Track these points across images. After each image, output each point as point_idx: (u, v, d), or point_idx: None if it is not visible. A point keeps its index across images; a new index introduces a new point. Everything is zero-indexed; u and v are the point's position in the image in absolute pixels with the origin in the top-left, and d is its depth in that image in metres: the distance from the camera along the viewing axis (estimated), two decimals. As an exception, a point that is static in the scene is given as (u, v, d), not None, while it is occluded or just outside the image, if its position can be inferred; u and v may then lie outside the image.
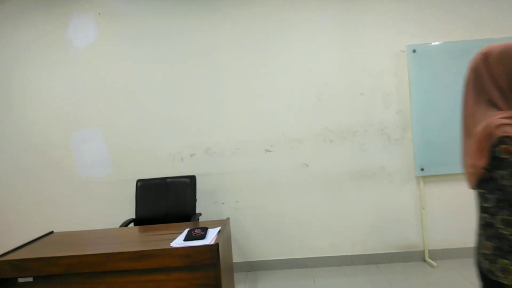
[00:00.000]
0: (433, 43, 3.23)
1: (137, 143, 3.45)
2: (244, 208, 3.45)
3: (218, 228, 2.40)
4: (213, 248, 2.05)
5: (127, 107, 3.45)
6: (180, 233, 2.40)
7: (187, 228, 2.50)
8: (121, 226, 2.88)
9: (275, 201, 3.44)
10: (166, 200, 3.13)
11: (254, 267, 3.46)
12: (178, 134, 3.44)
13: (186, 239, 2.19)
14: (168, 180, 3.19)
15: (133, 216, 3.28)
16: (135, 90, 3.44)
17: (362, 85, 3.37)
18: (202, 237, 2.21)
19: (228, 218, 2.75)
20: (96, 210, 3.50)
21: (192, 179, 3.17)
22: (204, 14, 3.39)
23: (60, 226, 3.52)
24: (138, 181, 3.19)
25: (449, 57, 3.22)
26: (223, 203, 3.45)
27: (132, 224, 3.20)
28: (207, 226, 2.47)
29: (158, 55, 3.42)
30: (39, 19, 3.44)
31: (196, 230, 2.30)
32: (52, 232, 2.72)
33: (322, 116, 3.39)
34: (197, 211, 3.43)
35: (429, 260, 3.31)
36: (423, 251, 3.39)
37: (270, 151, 3.42)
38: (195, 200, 3.13)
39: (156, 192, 3.15)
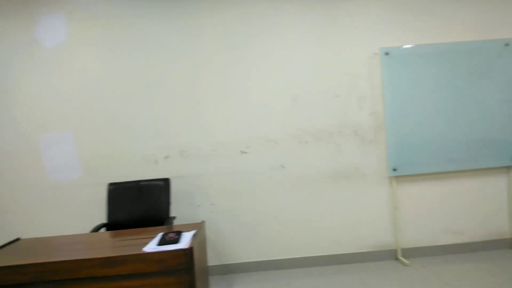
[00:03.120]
0: (405, 46, 3.31)
1: (109, 146, 3.37)
2: (220, 211, 3.43)
3: (193, 232, 2.37)
4: (187, 252, 2.02)
5: (98, 109, 3.36)
6: (154, 237, 2.36)
7: (161, 232, 2.46)
8: (92, 231, 2.80)
9: (251, 203, 3.43)
10: (140, 204, 3.06)
11: (230, 270, 3.43)
12: (152, 136, 3.38)
13: (160, 243, 2.15)
14: (141, 183, 3.12)
15: (105, 221, 3.20)
16: (106, 91, 3.35)
17: (337, 87, 3.41)
18: (176, 241, 2.18)
19: (203, 221, 2.72)
20: (66, 215, 3.38)
21: (166, 182, 3.11)
22: (181, 17, 3.34)
23: (27, 232, 3.39)
24: (110, 184, 3.11)
25: (421, 59, 3.31)
26: (198, 205, 3.41)
27: (103, 229, 3.11)
28: (182, 230, 2.44)
29: (131, 56, 3.35)
30: (6, 14, 3.30)
31: (170, 234, 2.27)
32: (18, 238, 2.61)
33: (297, 117, 3.41)
34: (172, 214, 3.38)
35: (401, 258, 3.39)
36: (396, 250, 3.46)
37: (246, 152, 3.41)
38: (169, 203, 3.08)
39: (129, 195, 3.08)
